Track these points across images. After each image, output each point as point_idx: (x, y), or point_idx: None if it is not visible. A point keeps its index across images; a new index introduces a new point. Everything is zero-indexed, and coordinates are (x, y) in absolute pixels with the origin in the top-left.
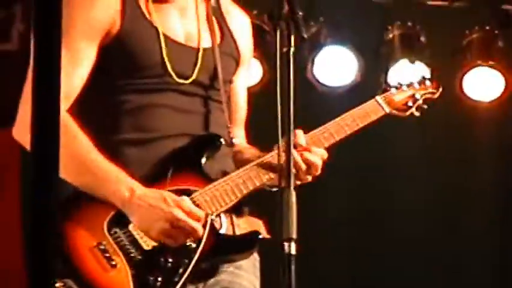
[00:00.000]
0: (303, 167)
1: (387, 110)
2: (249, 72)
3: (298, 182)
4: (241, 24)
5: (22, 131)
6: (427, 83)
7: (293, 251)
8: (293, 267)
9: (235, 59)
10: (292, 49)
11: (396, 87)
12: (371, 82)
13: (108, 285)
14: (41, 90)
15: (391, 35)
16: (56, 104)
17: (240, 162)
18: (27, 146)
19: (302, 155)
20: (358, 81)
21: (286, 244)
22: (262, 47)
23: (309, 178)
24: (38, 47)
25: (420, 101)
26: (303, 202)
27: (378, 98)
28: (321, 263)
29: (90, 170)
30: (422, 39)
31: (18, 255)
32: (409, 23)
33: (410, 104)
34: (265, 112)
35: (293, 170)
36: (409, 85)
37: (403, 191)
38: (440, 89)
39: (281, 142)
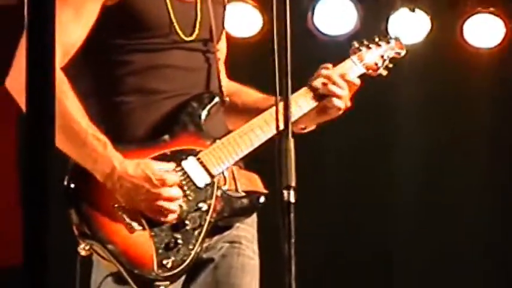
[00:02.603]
0: (341, 83)
1: (363, 69)
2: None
3: (341, 105)
4: None
5: (16, 83)
6: (392, 42)
7: (292, 199)
8: (292, 215)
9: (223, 4)
10: None
11: (366, 47)
12: (371, 31)
13: (131, 247)
14: (34, 42)
15: None
16: (51, 60)
17: (236, 105)
18: (19, 98)
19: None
20: (358, 30)
21: (285, 192)
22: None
23: (341, 104)
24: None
25: (387, 61)
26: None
27: (353, 57)
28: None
29: (77, 141)
30: None
31: (15, 219)
32: None
33: (379, 64)
34: (265, 62)
35: (337, 91)
36: (378, 45)
37: (402, 138)
38: (405, 50)
39: (278, 95)
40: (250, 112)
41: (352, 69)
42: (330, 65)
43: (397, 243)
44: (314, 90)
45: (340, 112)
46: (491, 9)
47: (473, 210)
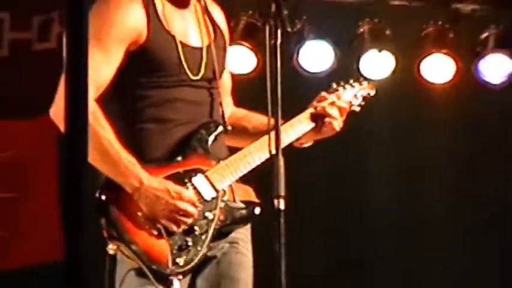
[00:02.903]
0: (335, 118)
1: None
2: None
3: (336, 126)
4: (221, 16)
5: (58, 112)
6: (364, 84)
7: (282, 206)
8: (282, 220)
9: (225, 49)
10: (278, 41)
11: (343, 88)
12: (346, 69)
13: (151, 247)
14: (72, 80)
15: (362, 30)
16: (85, 91)
17: (241, 127)
18: (60, 124)
19: (329, 105)
20: (335, 68)
21: (276, 200)
22: (256, 40)
23: (336, 125)
24: (69, 45)
25: (360, 100)
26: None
27: (332, 96)
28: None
29: (111, 161)
30: (388, 32)
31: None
32: (376, 20)
33: (353, 102)
34: (260, 94)
35: (333, 113)
36: (352, 86)
37: (375, 160)
38: (374, 91)
39: (279, 121)
40: (259, 133)
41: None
42: (324, 93)
43: (374, 253)
44: (315, 112)
45: (334, 132)
46: (444, 50)
47: (441, 226)
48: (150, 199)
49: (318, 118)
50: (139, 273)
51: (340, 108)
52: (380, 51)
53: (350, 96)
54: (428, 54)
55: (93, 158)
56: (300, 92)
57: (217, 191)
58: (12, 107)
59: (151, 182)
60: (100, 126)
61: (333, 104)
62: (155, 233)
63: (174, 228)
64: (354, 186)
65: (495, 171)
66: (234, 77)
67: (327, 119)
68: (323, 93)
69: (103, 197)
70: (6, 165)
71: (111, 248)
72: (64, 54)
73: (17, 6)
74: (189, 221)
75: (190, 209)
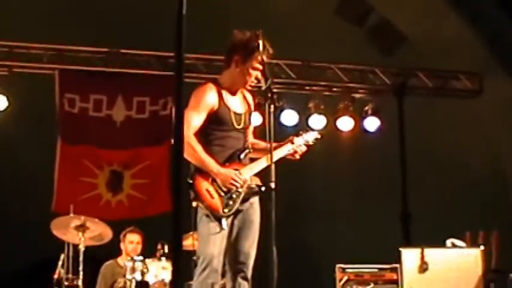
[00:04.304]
0: (299, 151)
1: (303, 143)
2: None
3: (298, 156)
4: (250, 98)
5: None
6: (315, 132)
7: (273, 186)
8: (273, 193)
9: (251, 115)
10: (272, 110)
11: (304, 132)
12: (303, 124)
13: (212, 203)
14: (176, 128)
15: (310, 105)
16: (181, 131)
17: (257, 149)
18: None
19: (297, 148)
20: (298, 123)
21: (271, 182)
22: (263, 110)
23: (298, 155)
24: (175, 113)
25: (313, 139)
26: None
27: (299, 138)
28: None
29: (203, 161)
30: (322, 106)
31: (167, 192)
32: (317, 100)
33: (310, 141)
34: (264, 133)
35: (301, 149)
36: (307, 133)
37: (309, 170)
38: (320, 136)
39: (270, 146)
40: (263, 151)
41: (300, 142)
42: (293, 136)
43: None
44: (292, 144)
45: (299, 157)
46: (348, 114)
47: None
48: (222, 175)
49: (292, 149)
50: (207, 216)
51: (303, 146)
52: (319, 115)
53: (308, 138)
54: (341, 116)
55: (193, 159)
56: (281, 134)
57: (245, 179)
58: (152, 140)
59: (222, 169)
60: (196, 144)
61: (299, 145)
62: (215, 196)
63: (234, 188)
64: (299, 181)
65: (380, 178)
66: (254, 127)
67: (297, 151)
68: (293, 136)
69: (190, 181)
70: (146, 168)
71: (194, 204)
72: (173, 116)
73: (152, 94)
74: (239, 185)
75: (240, 181)
